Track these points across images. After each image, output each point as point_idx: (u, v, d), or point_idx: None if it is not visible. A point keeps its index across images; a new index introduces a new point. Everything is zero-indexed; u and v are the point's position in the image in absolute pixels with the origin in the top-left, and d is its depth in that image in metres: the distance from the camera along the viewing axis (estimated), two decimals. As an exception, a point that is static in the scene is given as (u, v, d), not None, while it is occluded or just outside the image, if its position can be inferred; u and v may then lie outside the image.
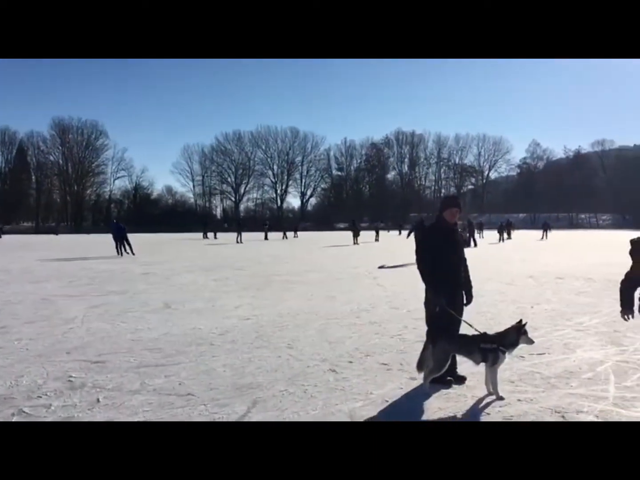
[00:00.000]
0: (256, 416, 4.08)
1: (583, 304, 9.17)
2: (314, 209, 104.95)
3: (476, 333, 4.59)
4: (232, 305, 9.29)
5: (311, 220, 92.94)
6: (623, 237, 41.45)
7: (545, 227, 42.70)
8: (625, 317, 4.65)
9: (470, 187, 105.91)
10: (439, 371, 4.57)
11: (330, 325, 7.58)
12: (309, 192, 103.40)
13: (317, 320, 7.94)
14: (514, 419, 3.99)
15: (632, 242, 4.53)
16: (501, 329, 4.76)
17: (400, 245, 30.12)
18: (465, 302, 5.02)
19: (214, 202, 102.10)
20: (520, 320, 4.55)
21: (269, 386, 4.81)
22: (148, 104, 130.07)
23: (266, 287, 11.97)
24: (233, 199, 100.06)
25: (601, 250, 26.56)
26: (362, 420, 4.00)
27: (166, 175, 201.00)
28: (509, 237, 40.88)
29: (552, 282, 12.48)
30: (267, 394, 4.60)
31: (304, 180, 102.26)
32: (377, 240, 39.30)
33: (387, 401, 4.43)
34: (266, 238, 41.03)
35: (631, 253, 4.52)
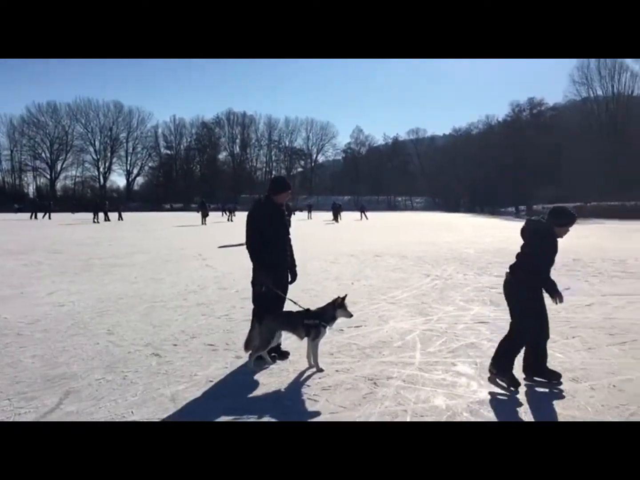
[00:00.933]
0: (69, 407, 3.81)
1: (397, 279, 9.97)
2: (142, 188, 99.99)
3: (300, 310, 4.76)
4: (44, 292, 8.52)
5: (139, 200, 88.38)
6: (434, 218, 45.63)
7: (362, 209, 46.28)
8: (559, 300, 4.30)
9: (299, 169, 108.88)
10: (264, 348, 4.66)
11: (155, 308, 7.32)
12: (135, 171, 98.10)
13: (141, 304, 7.61)
14: (332, 389, 4.23)
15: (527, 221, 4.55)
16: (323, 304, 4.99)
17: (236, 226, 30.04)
18: (290, 280, 5.16)
19: (26, 179, 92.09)
20: (339, 296, 4.80)
21: (85, 375, 4.51)
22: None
23: (85, 271, 11.16)
24: (48, 176, 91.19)
25: (414, 230, 29.05)
26: (188, 401, 3.94)
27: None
28: (366, 218, 43.44)
29: (371, 259, 13.38)
30: (82, 383, 4.32)
31: (129, 158, 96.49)
32: (230, 220, 39.58)
33: (211, 381, 4.42)
34: (96, 220, 36.47)
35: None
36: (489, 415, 3.73)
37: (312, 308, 4.86)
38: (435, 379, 4.46)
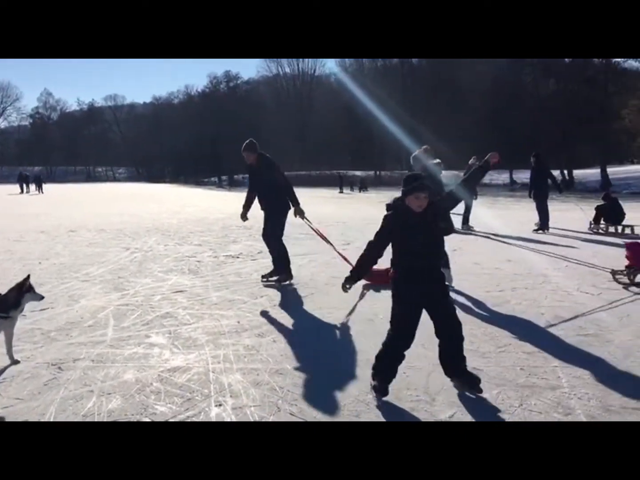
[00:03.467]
0: None
1: (92, 254, 9.40)
2: None
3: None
4: None
5: None
6: (137, 189, 44.15)
7: (38, 182, 41.62)
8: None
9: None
10: None
11: None
12: None
13: None
14: (7, 382, 3.78)
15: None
16: (5, 290, 4.32)
17: None
18: None
19: None
20: (24, 279, 4.22)
21: None
22: None
23: None
24: None
25: (115, 202, 27.71)
26: None
27: None
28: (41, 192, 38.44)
29: (64, 235, 12.32)
30: None
31: None
32: None
33: None
34: None
35: None
36: (178, 381, 3.81)
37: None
38: (127, 353, 4.35)
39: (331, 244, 7.52)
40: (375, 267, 4.00)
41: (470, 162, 14.17)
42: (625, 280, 6.77)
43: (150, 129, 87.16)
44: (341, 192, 39.58)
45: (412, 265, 3.45)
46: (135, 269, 8.14)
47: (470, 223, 13.62)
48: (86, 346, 4.54)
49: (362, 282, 6.51)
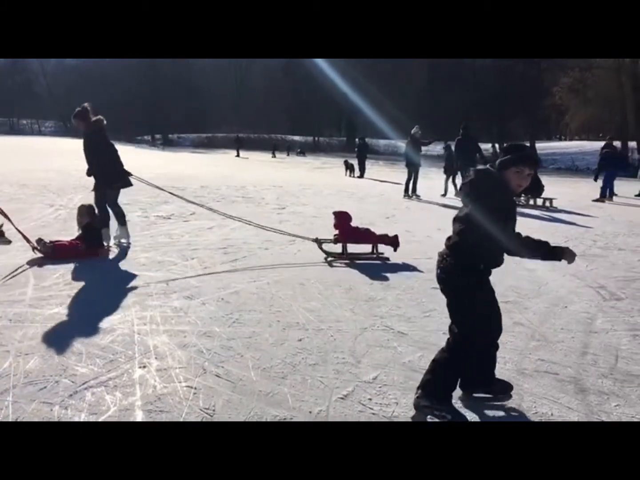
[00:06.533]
0: None
1: (14, 210, 8.89)
2: None
3: None
4: None
5: None
6: (64, 144, 42.05)
7: None
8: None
9: None
10: None
11: None
12: None
13: None
14: None
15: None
16: None
17: None
18: None
19: None
20: None
21: None
22: None
23: None
24: None
25: (41, 157, 26.31)
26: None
27: None
28: None
29: (-18, 190, 11.60)
30: None
31: None
32: None
33: None
34: None
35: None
36: (101, 343, 3.70)
37: None
38: (47, 313, 4.17)
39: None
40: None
41: (412, 131, 14.40)
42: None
43: (79, 83, 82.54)
44: (274, 156, 39.48)
45: (498, 262, 2.86)
46: (59, 226, 7.80)
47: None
48: (3, 305, 4.32)
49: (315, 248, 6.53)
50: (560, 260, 2.85)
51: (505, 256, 2.87)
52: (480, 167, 2.84)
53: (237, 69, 71.20)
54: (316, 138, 59.59)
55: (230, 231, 8.01)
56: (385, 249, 6.68)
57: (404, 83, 46.91)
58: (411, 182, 14.22)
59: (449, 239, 2.92)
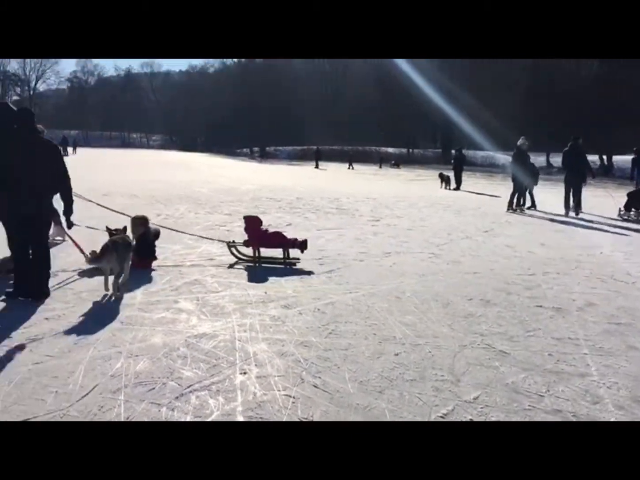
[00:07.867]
0: None
1: (124, 220, 9.51)
2: None
3: None
4: None
5: None
6: (170, 157, 44.37)
7: (69, 144, 44.21)
8: None
9: (15, 97, 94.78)
10: None
11: None
12: None
13: None
14: (39, 339, 3.87)
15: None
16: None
17: None
18: None
19: None
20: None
21: None
22: None
23: None
24: None
25: (148, 168, 28.00)
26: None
27: None
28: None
29: (98, 199, 12.48)
30: None
31: None
32: None
33: None
34: None
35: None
36: (205, 348, 3.85)
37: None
38: (155, 317, 4.42)
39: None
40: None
41: (519, 143, 13.88)
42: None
43: (185, 97, 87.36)
44: (380, 167, 40.13)
45: None
46: (165, 235, 8.22)
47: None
48: (114, 308, 4.62)
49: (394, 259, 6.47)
50: None
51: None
52: None
53: (331, 80, 72.30)
54: (410, 150, 58.99)
55: (326, 242, 8.09)
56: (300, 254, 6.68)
57: (503, 91, 45.38)
58: (516, 195, 13.64)
59: None
